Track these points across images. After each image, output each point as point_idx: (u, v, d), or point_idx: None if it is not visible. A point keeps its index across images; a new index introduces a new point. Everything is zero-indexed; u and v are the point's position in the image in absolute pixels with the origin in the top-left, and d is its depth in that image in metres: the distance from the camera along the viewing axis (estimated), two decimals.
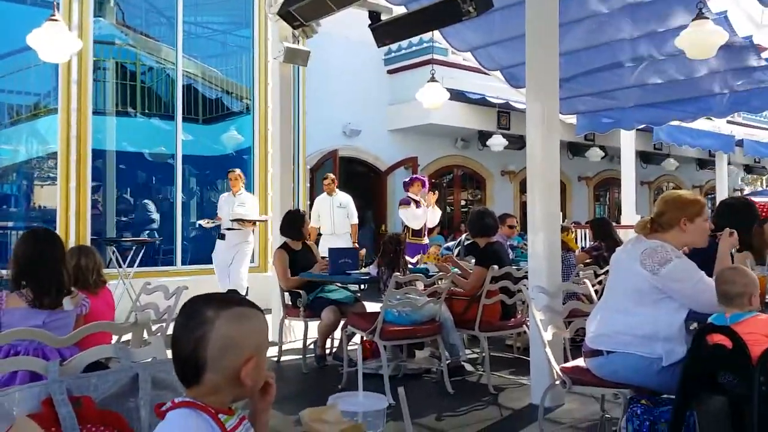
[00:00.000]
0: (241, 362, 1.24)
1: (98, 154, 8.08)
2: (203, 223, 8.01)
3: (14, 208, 8.34)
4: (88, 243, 7.34)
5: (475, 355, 5.46)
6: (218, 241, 7.68)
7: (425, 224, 8.22)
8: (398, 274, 4.53)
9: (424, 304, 4.57)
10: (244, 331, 1.27)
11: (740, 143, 12.08)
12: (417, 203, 8.11)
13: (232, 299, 1.33)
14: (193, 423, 1.19)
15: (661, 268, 2.83)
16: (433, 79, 8.19)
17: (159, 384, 1.48)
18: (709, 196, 18.15)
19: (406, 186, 8.38)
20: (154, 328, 3.26)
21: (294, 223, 5.62)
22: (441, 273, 4.96)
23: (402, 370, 4.94)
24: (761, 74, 6.39)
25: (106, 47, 8.55)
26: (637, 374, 2.90)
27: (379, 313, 4.48)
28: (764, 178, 18.72)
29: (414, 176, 8.52)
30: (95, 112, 7.88)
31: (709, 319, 2.74)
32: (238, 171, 7.84)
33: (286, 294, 5.46)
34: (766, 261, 3.72)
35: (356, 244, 8.09)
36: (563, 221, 9.19)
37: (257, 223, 7.98)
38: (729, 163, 14.09)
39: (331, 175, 8.91)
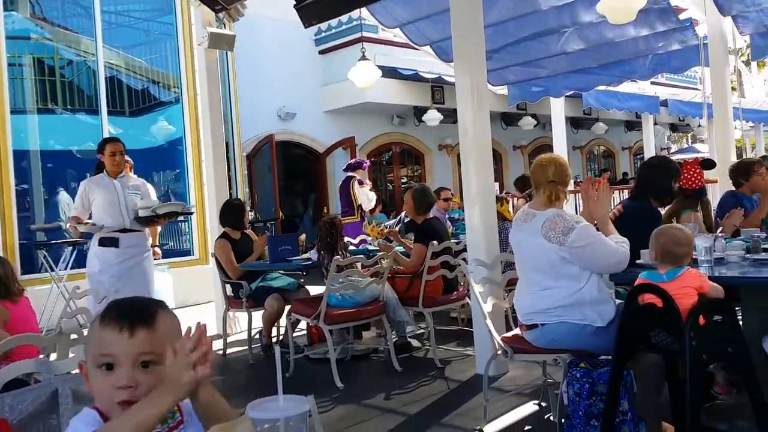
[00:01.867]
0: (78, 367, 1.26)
1: (22, 155, 7.72)
2: (67, 226, 6.05)
3: None
4: (17, 248, 7.05)
5: (421, 331, 5.50)
6: (100, 251, 4.85)
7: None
8: (338, 257, 4.50)
9: (366, 285, 4.56)
10: (88, 336, 1.27)
11: (665, 103, 12.46)
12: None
13: (123, 302, 1.30)
14: (86, 415, 1.19)
15: (566, 237, 2.91)
16: (364, 58, 8.12)
17: (82, 398, 1.42)
18: (638, 155, 18.73)
19: (353, 168, 8.42)
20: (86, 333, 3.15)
21: (234, 212, 5.52)
22: (382, 252, 4.96)
23: (350, 352, 4.94)
24: (680, 35, 6.57)
25: (21, 42, 8.13)
26: (572, 339, 2.97)
27: (322, 297, 4.45)
28: (689, 135, 19.43)
29: (360, 159, 8.58)
30: (14, 111, 7.52)
31: (642, 276, 2.80)
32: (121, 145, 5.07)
33: (228, 285, 5.37)
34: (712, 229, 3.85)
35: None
36: (500, 192, 9.33)
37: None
38: (655, 123, 14.54)
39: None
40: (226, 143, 8.15)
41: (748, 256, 3.09)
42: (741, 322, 2.87)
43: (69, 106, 8.55)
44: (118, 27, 9.37)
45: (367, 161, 8.58)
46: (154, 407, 1.10)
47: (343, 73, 9.06)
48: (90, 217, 4.93)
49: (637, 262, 3.16)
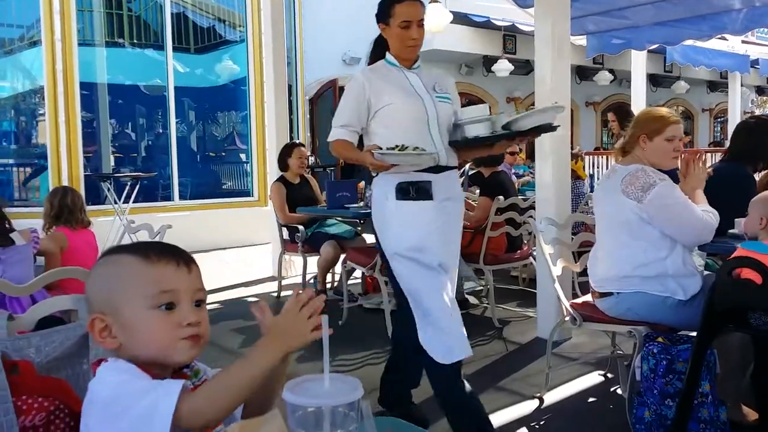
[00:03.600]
0: (88, 324, 1.07)
1: (88, 87, 7.78)
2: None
3: (5, 145, 8.11)
4: (81, 179, 7.14)
5: (480, 288, 5.31)
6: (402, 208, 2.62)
7: None
8: None
9: None
10: (90, 285, 1.11)
11: (755, 63, 11.59)
12: None
13: (156, 244, 1.18)
14: (123, 365, 1.03)
15: (645, 194, 2.62)
16: (435, 0, 7.76)
17: None
18: (719, 119, 17.72)
19: None
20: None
21: (281, 154, 5.41)
22: None
23: None
24: None
25: None
26: (651, 311, 2.72)
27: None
28: None
29: None
30: (83, 44, 7.54)
31: (743, 247, 2.52)
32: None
33: (284, 229, 5.28)
34: None
35: None
36: (572, 148, 8.90)
37: None
38: (742, 85, 13.62)
39: None
40: (289, 86, 8.00)
41: None
42: None
43: (136, 41, 8.54)
44: None
45: None
46: (265, 358, 1.02)
47: None
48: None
49: (730, 232, 2.86)
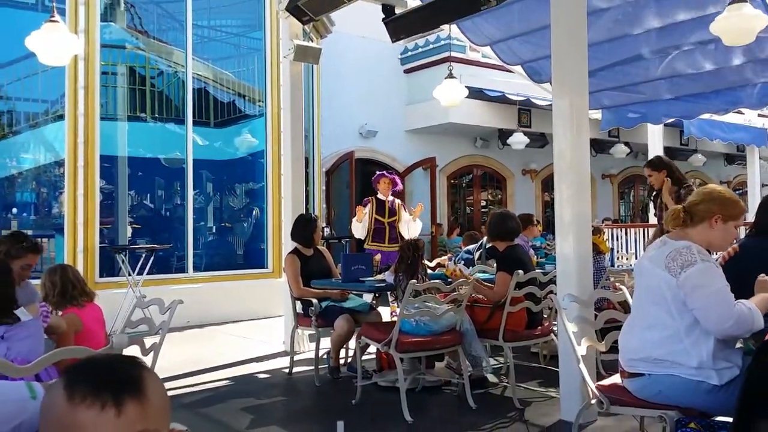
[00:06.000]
0: None
1: (109, 160, 7.90)
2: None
3: (25, 215, 8.19)
4: (97, 250, 7.15)
5: (498, 365, 5.14)
6: None
7: (397, 231, 6.73)
8: (415, 281, 4.23)
9: (443, 312, 4.25)
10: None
11: None
12: (381, 203, 6.70)
13: (92, 363, 0.93)
14: None
15: (682, 271, 2.50)
16: (450, 76, 7.88)
17: None
18: (738, 191, 17.58)
19: (373, 183, 6.88)
20: (148, 344, 3.00)
21: (304, 228, 5.36)
22: (462, 279, 4.65)
23: (421, 382, 4.63)
24: None
25: (115, 51, 8.38)
26: (684, 395, 2.56)
27: (395, 322, 4.18)
28: None
29: (380, 172, 6.92)
30: (105, 118, 7.71)
31: None
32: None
33: (298, 302, 5.19)
34: None
35: None
36: (593, 221, 8.82)
37: None
38: (761, 157, 13.58)
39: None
40: (306, 158, 8.07)
41: None
42: None
43: (157, 115, 8.73)
44: (209, 41, 9.58)
45: (390, 173, 6.87)
46: None
47: (427, 93, 8.85)
48: None
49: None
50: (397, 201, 6.83)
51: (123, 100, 8.41)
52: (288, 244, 5.90)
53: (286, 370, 5.17)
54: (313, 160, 10.07)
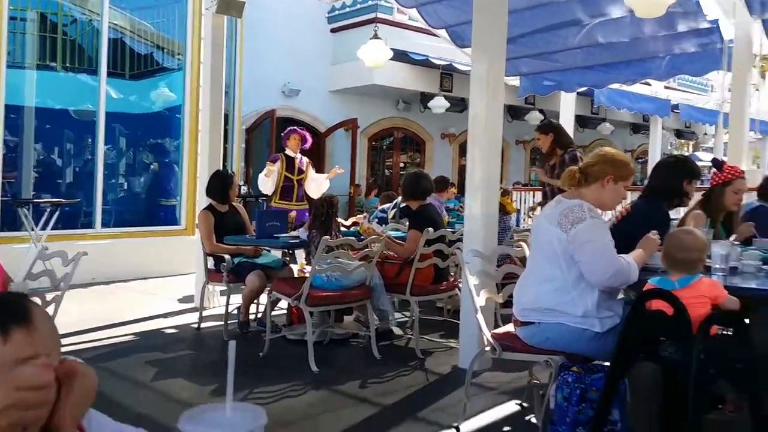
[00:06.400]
0: None
1: (14, 111, 7.49)
2: None
3: None
4: None
5: (404, 319, 5.30)
6: None
7: (304, 190, 6.76)
8: (328, 237, 4.28)
9: (354, 268, 4.34)
10: None
11: (675, 108, 12.20)
12: (290, 160, 6.62)
13: None
14: None
15: (573, 227, 2.68)
16: (376, 37, 7.87)
17: None
18: (640, 160, 18.46)
19: (283, 139, 6.80)
20: (49, 297, 2.93)
21: (220, 184, 5.29)
22: (373, 236, 4.73)
23: (329, 335, 4.73)
24: (703, 38, 6.32)
25: None
26: (570, 342, 2.75)
27: (306, 278, 4.23)
28: (691, 143, 19.18)
29: (291, 128, 6.81)
30: (12, 66, 7.28)
31: (651, 282, 2.59)
32: None
33: (210, 258, 5.15)
34: (717, 224, 3.63)
35: None
36: (501, 184, 9.08)
37: None
38: (663, 128, 14.28)
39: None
40: (225, 115, 7.90)
41: (765, 267, 2.87)
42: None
43: (68, 65, 8.31)
44: None
45: (301, 130, 6.76)
46: None
47: (352, 54, 8.80)
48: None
49: (650, 265, 2.94)
50: (305, 159, 6.78)
51: (32, 48, 7.95)
52: (203, 202, 5.81)
53: (195, 326, 5.15)
54: (233, 116, 9.87)
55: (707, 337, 2.17)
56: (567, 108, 9.13)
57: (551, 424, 2.68)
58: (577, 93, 9.29)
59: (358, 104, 12.45)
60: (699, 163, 8.51)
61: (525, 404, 3.46)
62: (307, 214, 6.10)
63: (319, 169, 12.39)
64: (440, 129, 13.97)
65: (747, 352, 2.23)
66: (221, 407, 0.85)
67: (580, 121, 15.20)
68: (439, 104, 11.90)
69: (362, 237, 4.73)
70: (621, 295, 2.88)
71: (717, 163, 3.58)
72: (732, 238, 3.26)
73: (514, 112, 13.92)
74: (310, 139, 6.84)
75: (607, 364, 2.61)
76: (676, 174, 3.40)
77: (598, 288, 2.68)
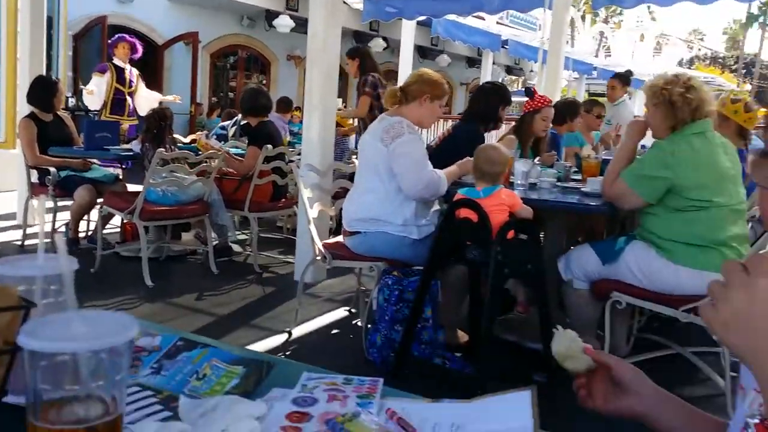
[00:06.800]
0: None
1: None
2: None
3: None
4: None
5: (244, 237, 5.39)
6: None
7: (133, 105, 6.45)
8: (163, 150, 4.21)
9: (191, 183, 4.32)
10: None
11: (505, 44, 12.91)
12: (120, 71, 6.29)
13: None
14: None
15: (393, 141, 2.91)
16: None
17: None
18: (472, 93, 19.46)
19: (110, 47, 6.46)
20: None
21: (43, 90, 4.92)
22: (212, 151, 4.72)
23: (165, 252, 4.71)
24: None
25: None
26: (391, 249, 3.01)
27: (140, 192, 4.16)
28: (521, 79, 20.51)
29: (119, 35, 6.43)
30: None
31: (460, 192, 2.89)
32: None
33: (34, 171, 4.85)
34: (527, 148, 4.03)
35: None
36: (343, 105, 9.24)
37: None
38: (493, 63, 15.06)
39: None
40: (49, 18, 7.24)
41: (558, 183, 3.30)
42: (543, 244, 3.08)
43: None
44: None
45: (131, 38, 6.44)
46: None
47: None
48: None
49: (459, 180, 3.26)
50: (135, 71, 6.47)
51: None
52: (24, 112, 5.39)
53: (19, 243, 4.89)
54: (58, 21, 9.03)
55: (504, 241, 2.51)
56: (407, 37, 9.37)
57: (373, 323, 2.98)
58: (418, 23, 9.54)
59: (200, 17, 11.87)
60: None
61: (353, 310, 3.75)
62: (135, 129, 5.89)
63: (158, 84, 11.84)
64: (286, 50, 13.73)
65: (536, 255, 2.61)
66: (32, 256, 0.81)
67: (421, 52, 15.65)
68: (284, 23, 11.68)
69: (200, 153, 4.70)
70: (437, 207, 3.18)
71: (529, 92, 3.96)
72: (536, 160, 3.68)
73: (359, 38, 13.98)
74: (140, 49, 6.50)
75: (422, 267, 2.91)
76: (492, 100, 3.73)
77: (414, 199, 2.95)
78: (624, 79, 6.16)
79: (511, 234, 2.58)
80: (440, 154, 3.47)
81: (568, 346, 0.89)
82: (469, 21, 10.82)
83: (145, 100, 6.39)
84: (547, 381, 2.55)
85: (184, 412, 0.66)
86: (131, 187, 4.99)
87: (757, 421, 0.57)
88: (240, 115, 6.06)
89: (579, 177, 3.55)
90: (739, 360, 0.57)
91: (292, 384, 0.74)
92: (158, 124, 4.53)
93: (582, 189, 3.14)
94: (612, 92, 6.12)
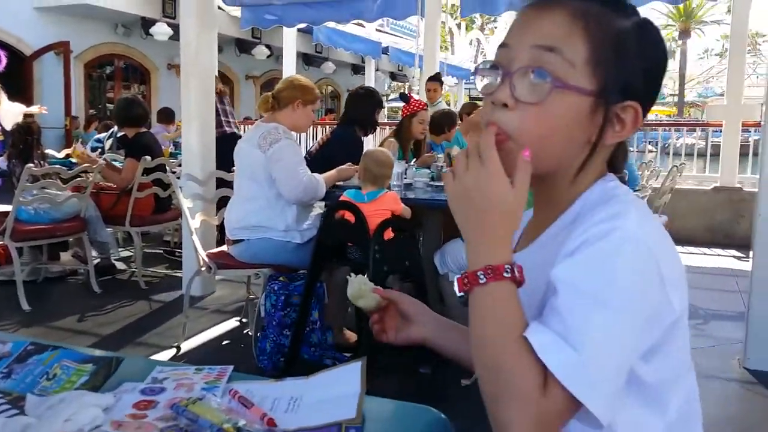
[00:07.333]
0: None
1: None
2: None
3: None
4: None
5: (130, 254, 5.23)
6: None
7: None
8: (32, 166, 4.02)
9: (65, 199, 4.15)
10: None
11: (386, 51, 13.22)
12: None
13: None
14: None
15: (270, 147, 2.97)
16: None
17: None
18: None
19: None
20: None
21: None
22: (87, 165, 4.55)
23: (43, 273, 4.49)
24: None
25: None
26: (275, 255, 3.05)
27: (9, 212, 3.95)
28: (406, 85, 21.05)
29: None
30: None
31: (345, 194, 2.97)
32: None
33: None
34: (407, 151, 4.17)
35: None
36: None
37: None
38: (377, 70, 15.37)
39: None
40: None
41: (432, 183, 3.46)
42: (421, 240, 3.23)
43: None
44: None
45: None
46: None
47: None
48: None
49: (339, 183, 3.35)
50: None
51: None
52: None
53: None
54: None
55: (381, 240, 2.61)
56: (290, 44, 9.38)
57: (262, 330, 3.00)
58: (300, 30, 9.56)
59: (71, 26, 11.32)
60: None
61: (244, 319, 3.73)
62: (3, 145, 5.54)
63: (28, 97, 11.18)
64: (166, 59, 13.32)
65: (413, 252, 2.74)
66: None
67: (305, 59, 15.71)
68: (161, 31, 11.36)
69: (76, 166, 4.52)
70: (319, 210, 3.25)
71: (404, 97, 4.11)
72: (413, 161, 3.83)
73: (242, 46, 13.83)
74: (4, 60, 6.14)
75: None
76: (366, 104, 3.85)
77: (293, 203, 3.01)
78: (440, 80, 6.58)
79: (389, 233, 2.69)
80: (320, 159, 3.55)
81: (357, 288, 0.99)
82: (350, 28, 10.99)
83: (9, 114, 6.02)
84: (432, 372, 2.69)
85: (31, 408, 0.69)
86: (0, 207, 4.73)
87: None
88: (116, 127, 5.86)
89: None
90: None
91: (145, 378, 0.78)
92: (24, 138, 4.32)
93: None
94: (435, 94, 6.44)
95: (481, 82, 0.79)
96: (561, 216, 0.80)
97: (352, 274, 1.00)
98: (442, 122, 4.98)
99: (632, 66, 0.76)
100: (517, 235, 0.90)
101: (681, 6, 30.60)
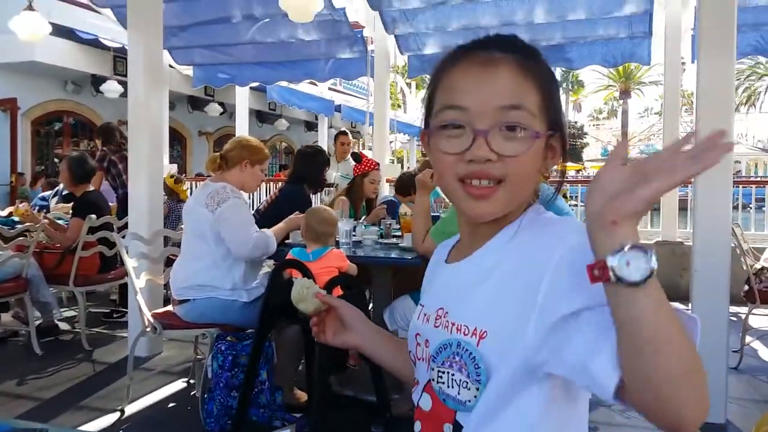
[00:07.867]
0: None
1: None
2: None
3: None
4: None
5: (74, 313, 5.08)
6: None
7: None
8: None
9: (6, 259, 4.05)
10: None
11: (339, 109, 13.47)
12: None
13: None
14: None
15: (218, 207, 2.98)
16: (30, 8, 7.20)
17: None
18: None
19: None
20: None
21: None
22: (29, 224, 4.45)
23: None
24: (354, 46, 7.15)
25: None
26: (222, 314, 3.02)
27: None
28: (360, 141, 21.33)
29: None
30: None
31: (291, 253, 2.97)
32: None
33: None
34: (359, 209, 4.21)
35: None
36: (179, 173, 9.05)
37: None
38: (330, 127, 15.58)
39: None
40: None
41: (381, 240, 3.50)
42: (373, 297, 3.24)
43: None
44: None
45: None
46: None
47: (4, 24, 7.89)
48: None
49: (287, 241, 3.36)
50: None
51: None
52: None
53: None
54: None
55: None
56: (242, 102, 9.48)
57: (209, 391, 2.94)
58: (254, 88, 9.67)
59: (18, 82, 11.19)
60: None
61: (191, 381, 3.64)
62: None
63: None
64: (117, 115, 13.18)
65: (361, 308, 2.74)
66: None
67: (259, 116, 15.83)
68: (112, 88, 11.31)
69: (18, 225, 4.42)
70: (266, 269, 3.25)
71: (356, 157, 4.18)
72: (362, 219, 3.88)
73: (194, 103, 13.86)
74: None
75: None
76: (314, 162, 3.91)
77: (243, 260, 3.00)
78: (348, 134, 6.90)
79: (338, 291, 2.69)
80: (269, 217, 3.57)
81: (299, 291, 1.05)
82: (303, 87, 11.17)
83: None
84: (384, 431, 2.66)
85: None
86: None
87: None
88: (62, 185, 5.77)
89: (399, 233, 3.78)
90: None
91: None
92: None
93: (400, 244, 3.36)
94: (346, 148, 6.65)
95: (443, 142, 0.85)
96: (500, 232, 0.88)
97: (298, 277, 1.03)
98: (409, 185, 5.05)
99: (557, 100, 0.87)
100: (447, 251, 0.99)
101: (620, 68, 32.15)
